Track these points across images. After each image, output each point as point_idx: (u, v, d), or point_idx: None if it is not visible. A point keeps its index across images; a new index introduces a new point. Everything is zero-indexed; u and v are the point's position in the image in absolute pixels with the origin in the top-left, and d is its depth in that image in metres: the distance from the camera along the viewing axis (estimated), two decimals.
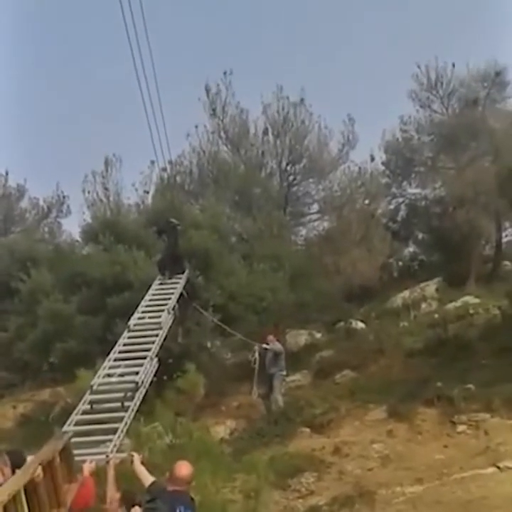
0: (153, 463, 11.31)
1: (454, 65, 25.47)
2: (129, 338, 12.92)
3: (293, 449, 13.34)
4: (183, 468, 6.34)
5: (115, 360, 12.22)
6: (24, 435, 15.32)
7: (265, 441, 13.89)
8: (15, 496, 4.69)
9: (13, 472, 5.42)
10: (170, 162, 22.01)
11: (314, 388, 16.85)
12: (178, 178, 23.58)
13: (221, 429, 15.14)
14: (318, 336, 20.88)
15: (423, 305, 20.91)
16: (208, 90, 22.50)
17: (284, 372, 16.26)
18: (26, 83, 43.76)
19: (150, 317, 13.63)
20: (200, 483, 11.33)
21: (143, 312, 13.91)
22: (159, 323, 13.22)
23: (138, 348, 12.53)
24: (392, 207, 26.77)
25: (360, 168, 23.02)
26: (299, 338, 20.76)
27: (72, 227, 28.78)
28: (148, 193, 24.91)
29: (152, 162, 23.84)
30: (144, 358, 11.97)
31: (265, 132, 22.51)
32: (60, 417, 16.16)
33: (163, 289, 15.18)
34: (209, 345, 18.33)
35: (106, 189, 25.74)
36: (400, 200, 26.96)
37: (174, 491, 6.19)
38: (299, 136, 22.43)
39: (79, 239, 24.38)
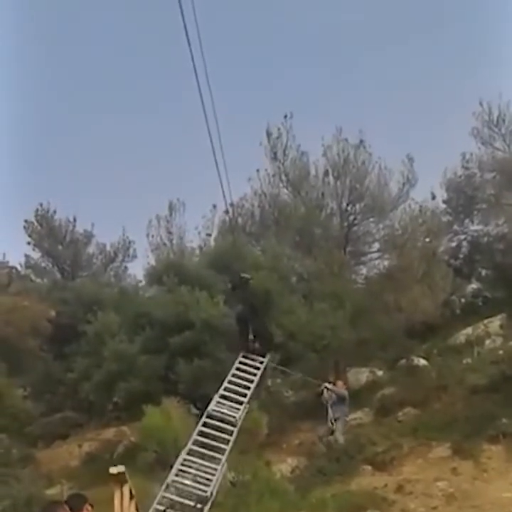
0: (217, 501, 11.48)
1: None
2: (205, 426, 13.13)
3: (355, 486, 13.25)
4: None
5: (189, 453, 12.42)
6: (89, 473, 15.60)
7: (327, 478, 13.87)
8: None
9: None
10: (232, 205, 22.45)
11: (376, 426, 16.67)
12: (239, 221, 23.94)
13: (283, 467, 15.17)
14: (380, 373, 20.69)
15: (487, 341, 20.51)
16: (269, 134, 22.86)
17: (347, 418, 16.31)
18: (91, 131, 45.14)
19: (228, 407, 13.71)
20: None
21: (221, 397, 14.01)
22: (235, 418, 13.38)
23: (213, 444, 12.74)
24: (454, 244, 26.54)
25: (420, 206, 22.92)
26: (361, 375, 20.62)
27: (137, 270, 29.22)
28: (210, 235, 25.48)
29: (214, 206, 24.53)
30: (218, 460, 12.22)
31: (326, 174, 22.66)
32: (123, 455, 16.51)
33: (244, 370, 15.16)
34: (269, 383, 18.41)
35: (170, 233, 26.44)
36: (462, 237, 26.72)
37: None
38: (359, 177, 22.41)
39: (143, 281, 25.06)
